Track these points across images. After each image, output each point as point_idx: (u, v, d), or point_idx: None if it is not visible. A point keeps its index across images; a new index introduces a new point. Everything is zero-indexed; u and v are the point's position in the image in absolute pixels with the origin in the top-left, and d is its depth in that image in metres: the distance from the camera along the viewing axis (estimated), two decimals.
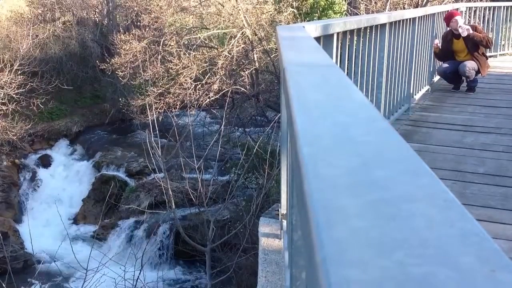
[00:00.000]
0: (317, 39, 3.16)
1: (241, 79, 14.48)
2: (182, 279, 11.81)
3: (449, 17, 7.20)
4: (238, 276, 9.77)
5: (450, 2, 13.99)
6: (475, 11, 9.57)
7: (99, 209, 13.09)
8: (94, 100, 19.27)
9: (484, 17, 9.66)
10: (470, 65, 6.96)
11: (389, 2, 14.40)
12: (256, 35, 14.19)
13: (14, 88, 15.94)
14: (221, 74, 14.07)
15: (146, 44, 15.65)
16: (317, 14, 13.41)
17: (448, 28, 7.28)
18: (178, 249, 11.84)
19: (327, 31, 3.42)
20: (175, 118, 12.90)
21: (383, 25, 4.80)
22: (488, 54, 9.73)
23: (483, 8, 9.74)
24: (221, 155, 11.62)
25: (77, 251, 9.01)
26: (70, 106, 18.59)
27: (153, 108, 11.92)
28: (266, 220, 3.24)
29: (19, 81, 16.02)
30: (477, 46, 7.04)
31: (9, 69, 16.10)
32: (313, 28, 3.18)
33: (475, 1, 11.58)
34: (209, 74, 14.33)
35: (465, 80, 7.27)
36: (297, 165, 0.77)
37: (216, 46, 15.25)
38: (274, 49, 13.56)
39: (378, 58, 4.78)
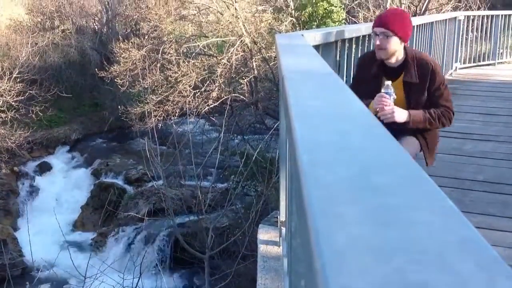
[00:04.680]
0: (316, 47, 3.17)
1: (240, 86, 14.50)
2: (180, 286, 11.76)
3: (402, 24, 3.11)
4: (237, 283, 9.73)
5: (448, 11, 14.06)
6: (473, 20, 9.61)
7: (97, 217, 13.06)
8: (93, 108, 19.28)
9: (482, 25, 9.70)
10: (411, 150, 3.22)
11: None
12: (255, 43, 14.22)
13: (13, 95, 15.95)
14: (220, 82, 14.09)
15: (145, 52, 15.68)
16: (315, 23, 13.45)
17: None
18: (176, 257, 11.80)
19: (326, 39, 3.43)
20: (174, 125, 12.91)
21: None
22: (486, 62, 9.79)
23: (481, 16, 9.78)
24: (220, 162, 11.61)
25: (76, 259, 8.98)
26: (69, 114, 18.60)
27: (152, 116, 11.93)
28: (265, 227, 3.23)
29: (18, 88, 16.03)
30: (434, 91, 3.20)
31: (8, 76, 16.11)
32: (312, 37, 3.19)
33: (473, 10, 11.63)
34: (208, 82, 14.34)
35: None
36: (296, 172, 0.77)
37: (215, 54, 15.28)
38: (273, 57, 13.58)
39: None
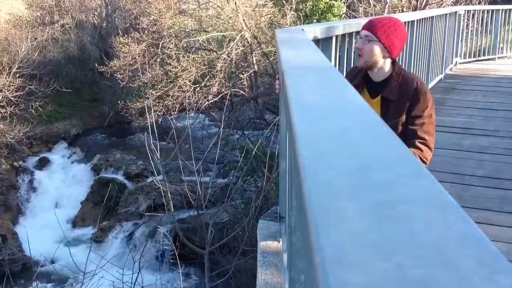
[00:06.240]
0: (316, 41, 3.17)
1: (240, 81, 14.49)
2: (180, 282, 11.78)
3: (393, 30, 2.75)
4: (237, 279, 9.75)
5: (448, 5, 14.03)
6: (473, 15, 9.59)
7: (97, 212, 13.07)
8: (92, 103, 19.27)
9: (482, 20, 9.68)
10: None
11: (387, 5, 14.43)
12: (255, 38, 14.20)
13: (12, 91, 15.94)
14: (220, 76, 14.08)
15: (145, 46, 15.66)
16: (316, 17, 13.43)
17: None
18: (176, 252, 11.81)
19: (326, 33, 3.42)
20: (174, 120, 12.90)
21: None
22: (486, 57, 9.78)
23: (481, 11, 9.76)
24: (220, 157, 11.60)
25: (75, 254, 8.98)
26: (69, 109, 18.59)
27: (152, 111, 11.92)
28: (265, 222, 3.23)
29: (17, 84, 16.02)
30: (412, 118, 2.79)
31: (7, 72, 16.10)
32: (312, 31, 3.19)
33: (473, 4, 11.61)
34: (208, 77, 14.33)
35: None
36: (296, 168, 0.77)
37: (215, 49, 15.26)
38: (273, 52, 13.56)
39: None
